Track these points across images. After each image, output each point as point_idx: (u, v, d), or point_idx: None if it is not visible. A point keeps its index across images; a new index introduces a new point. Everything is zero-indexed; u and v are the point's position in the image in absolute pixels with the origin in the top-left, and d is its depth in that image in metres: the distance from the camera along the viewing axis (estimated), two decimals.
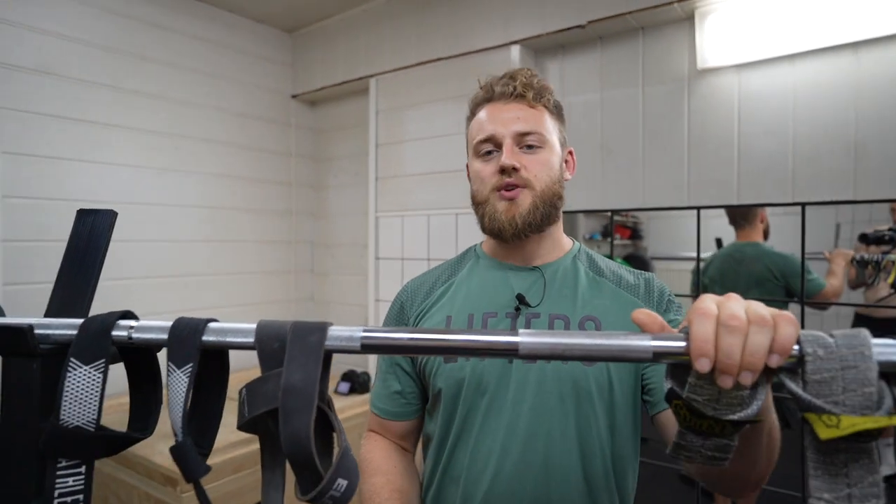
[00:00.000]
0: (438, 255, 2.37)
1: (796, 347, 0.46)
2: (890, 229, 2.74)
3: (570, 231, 4.00)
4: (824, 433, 0.43)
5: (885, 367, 0.44)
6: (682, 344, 0.48)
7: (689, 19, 1.87)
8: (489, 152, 0.94)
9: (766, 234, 2.49)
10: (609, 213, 2.15)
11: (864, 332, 0.46)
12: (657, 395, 0.87)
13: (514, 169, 0.90)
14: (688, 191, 1.91)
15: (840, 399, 0.44)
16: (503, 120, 0.92)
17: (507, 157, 0.90)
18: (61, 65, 2.03)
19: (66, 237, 2.07)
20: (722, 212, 2.58)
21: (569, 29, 2.02)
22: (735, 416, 0.47)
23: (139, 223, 2.26)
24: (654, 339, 0.49)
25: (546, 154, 0.93)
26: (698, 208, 1.88)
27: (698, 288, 2.18)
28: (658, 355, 0.49)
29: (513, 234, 0.91)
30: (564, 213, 2.11)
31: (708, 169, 1.88)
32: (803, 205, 1.69)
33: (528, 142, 0.92)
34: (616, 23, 1.94)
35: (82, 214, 0.65)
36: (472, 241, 1.13)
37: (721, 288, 2.48)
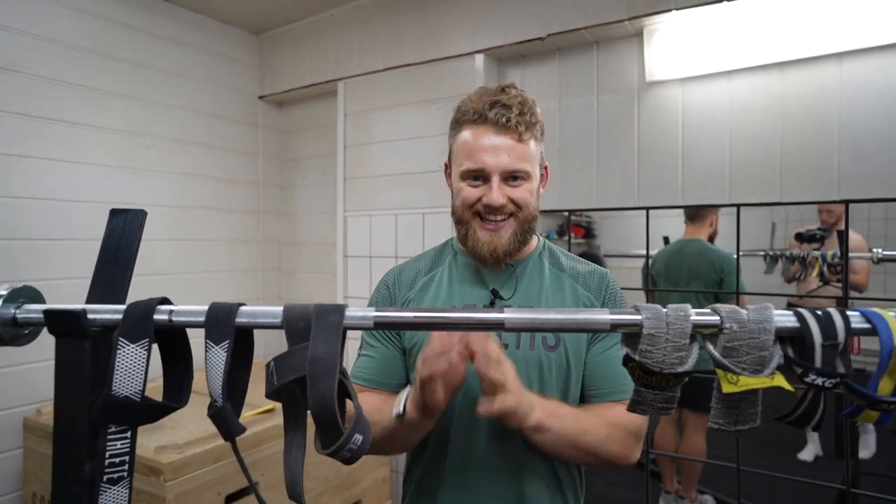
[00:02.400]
0: (406, 253, 2.47)
1: (717, 318, 0.60)
2: (819, 229, 3.04)
3: None
4: (726, 388, 0.57)
5: (779, 332, 0.59)
6: (637, 317, 0.61)
7: (638, 36, 2.04)
8: (476, 178, 1.00)
9: (711, 238, 2.71)
10: (566, 213, 2.30)
11: (770, 310, 0.60)
12: (591, 384, 1.05)
13: (501, 206, 0.98)
14: (638, 192, 2.08)
15: (742, 360, 0.58)
16: (494, 152, 0.97)
17: (497, 195, 0.97)
18: (31, 63, 2.02)
19: (35, 236, 2.15)
20: (668, 212, 2.80)
21: (530, 41, 2.17)
22: (676, 370, 0.61)
23: None
24: (613, 313, 0.62)
25: (529, 184, 1.01)
26: (647, 209, 2.05)
27: (647, 281, 2.36)
28: (615, 326, 0.62)
29: (492, 262, 1.03)
30: None
31: (656, 172, 2.05)
32: (738, 206, 1.88)
33: (514, 175, 0.99)
34: (573, 36, 2.10)
35: (115, 213, 0.72)
36: (438, 239, 1.24)
37: (666, 280, 2.69)
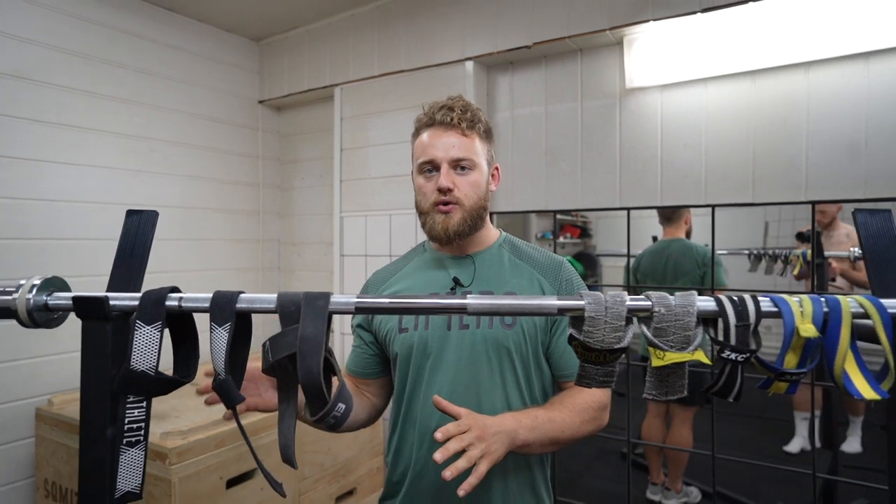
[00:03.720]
0: (400, 251, 2.57)
1: (649, 303, 0.70)
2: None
3: (523, 229, 4.24)
4: (655, 362, 0.67)
5: (701, 314, 0.69)
6: (580, 303, 0.71)
7: (619, 44, 2.14)
8: (430, 170, 1.16)
9: (688, 234, 2.83)
10: (553, 213, 2.40)
11: (693, 296, 0.70)
12: (557, 367, 1.17)
13: (449, 189, 1.13)
14: (620, 193, 2.18)
15: (670, 339, 0.68)
16: (442, 146, 1.14)
17: (444, 179, 1.13)
18: (40, 71, 2.13)
19: (46, 236, 2.30)
20: (656, 212, 2.89)
21: (517, 49, 2.27)
22: (614, 346, 0.71)
23: (115, 222, 2.36)
24: (560, 299, 0.72)
25: (475, 175, 1.16)
26: (628, 209, 2.15)
27: (629, 278, 2.46)
28: (562, 311, 0.72)
29: (446, 240, 1.16)
30: (516, 213, 2.36)
31: (636, 174, 2.15)
32: (713, 206, 1.99)
33: (461, 165, 1.14)
34: (558, 45, 2.20)
35: (130, 214, 0.83)
36: None
37: (652, 279, 2.79)
